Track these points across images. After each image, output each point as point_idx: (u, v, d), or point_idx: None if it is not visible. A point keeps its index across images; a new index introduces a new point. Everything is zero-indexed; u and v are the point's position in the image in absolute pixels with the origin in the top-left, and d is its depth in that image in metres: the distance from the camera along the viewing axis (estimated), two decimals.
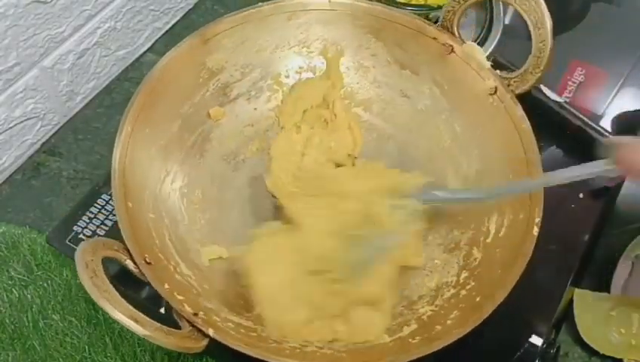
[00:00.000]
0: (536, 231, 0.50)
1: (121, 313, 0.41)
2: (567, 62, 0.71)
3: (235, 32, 0.59)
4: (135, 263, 0.46)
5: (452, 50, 0.59)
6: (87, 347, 0.59)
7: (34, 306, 0.61)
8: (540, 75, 0.55)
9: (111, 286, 0.42)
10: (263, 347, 0.48)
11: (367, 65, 0.64)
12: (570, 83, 0.70)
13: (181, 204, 0.57)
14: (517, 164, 0.54)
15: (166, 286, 0.47)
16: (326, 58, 0.64)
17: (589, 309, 0.59)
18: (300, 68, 0.64)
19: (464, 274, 0.54)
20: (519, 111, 0.55)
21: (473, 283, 0.52)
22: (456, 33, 0.59)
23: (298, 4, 0.61)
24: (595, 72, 0.70)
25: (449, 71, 0.60)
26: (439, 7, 0.66)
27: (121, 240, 0.47)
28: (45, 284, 0.62)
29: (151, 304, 0.53)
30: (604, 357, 0.59)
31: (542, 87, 0.64)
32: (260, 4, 0.60)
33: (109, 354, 0.59)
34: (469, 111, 0.60)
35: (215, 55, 0.59)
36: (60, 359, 0.58)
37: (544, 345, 0.55)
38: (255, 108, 0.63)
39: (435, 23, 0.61)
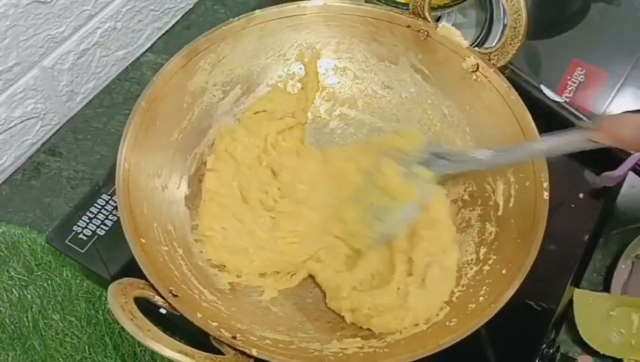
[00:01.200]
0: (546, 195, 0.50)
1: (170, 349, 0.41)
2: (567, 62, 0.71)
3: (209, 52, 0.58)
4: (163, 298, 0.46)
5: (428, 35, 0.59)
6: (87, 347, 0.59)
7: (34, 306, 0.61)
8: (519, 45, 0.55)
9: (150, 323, 0.42)
10: (306, 357, 0.48)
11: (345, 64, 0.64)
12: (570, 83, 0.69)
13: (188, 231, 0.57)
14: (512, 135, 0.54)
15: (198, 314, 0.47)
16: (303, 63, 0.63)
17: (589, 309, 0.59)
18: (279, 77, 0.63)
19: (483, 250, 0.54)
20: (505, 82, 0.55)
21: (495, 257, 0.52)
22: (429, 18, 0.59)
23: (268, 15, 0.60)
24: (595, 72, 0.70)
25: (428, 55, 0.60)
26: (439, 7, 0.66)
27: (144, 277, 0.47)
28: (45, 284, 0.62)
29: (151, 305, 0.53)
30: (604, 357, 0.59)
31: (542, 87, 0.64)
32: (231, 19, 0.59)
33: (109, 354, 0.59)
34: (454, 91, 0.60)
35: (195, 78, 0.58)
36: (60, 359, 0.59)
37: (544, 345, 0.55)
38: None
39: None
